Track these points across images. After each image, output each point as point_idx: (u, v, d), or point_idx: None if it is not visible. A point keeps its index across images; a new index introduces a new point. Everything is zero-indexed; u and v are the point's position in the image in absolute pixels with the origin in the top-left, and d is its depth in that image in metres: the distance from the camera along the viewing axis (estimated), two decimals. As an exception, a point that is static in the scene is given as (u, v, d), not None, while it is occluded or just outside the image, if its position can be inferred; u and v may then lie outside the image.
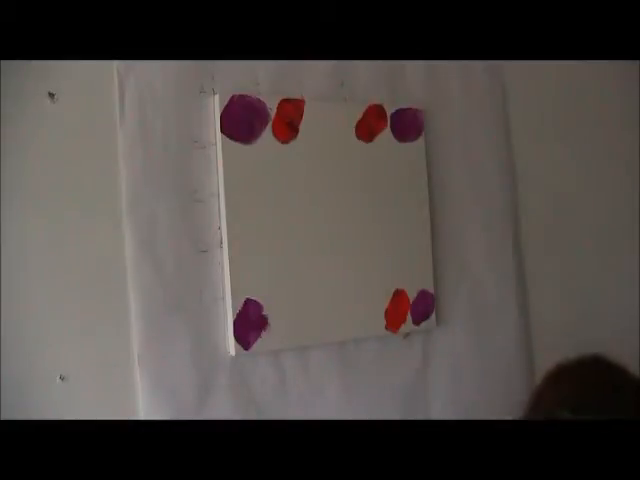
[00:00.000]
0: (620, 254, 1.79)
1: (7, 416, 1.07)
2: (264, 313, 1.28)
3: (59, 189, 1.15)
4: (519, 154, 1.64)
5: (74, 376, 1.15)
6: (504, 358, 1.57)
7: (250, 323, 1.27)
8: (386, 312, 1.41)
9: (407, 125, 1.45)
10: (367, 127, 1.41)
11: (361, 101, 1.41)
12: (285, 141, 1.32)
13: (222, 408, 1.25)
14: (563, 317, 1.69)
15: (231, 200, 1.26)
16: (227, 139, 1.26)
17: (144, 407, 1.19)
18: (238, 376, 1.27)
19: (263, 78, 1.32)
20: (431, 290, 1.47)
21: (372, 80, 1.43)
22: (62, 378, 1.14)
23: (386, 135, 1.43)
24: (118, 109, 1.19)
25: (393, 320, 1.42)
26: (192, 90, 1.25)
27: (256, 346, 1.27)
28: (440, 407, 1.48)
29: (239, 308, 1.26)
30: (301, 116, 1.33)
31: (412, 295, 1.44)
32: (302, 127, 1.33)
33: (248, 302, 1.27)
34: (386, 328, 1.41)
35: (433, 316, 1.47)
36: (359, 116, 1.40)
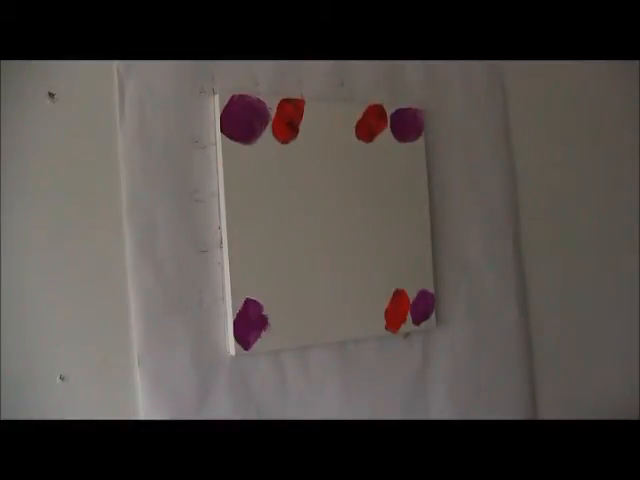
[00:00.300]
0: (620, 254, 1.79)
1: (7, 416, 1.07)
2: (264, 313, 1.28)
3: (59, 189, 1.15)
4: (519, 154, 1.64)
5: (74, 376, 1.15)
6: (504, 358, 1.57)
7: (250, 323, 1.27)
8: (386, 312, 1.41)
9: (407, 125, 1.45)
10: (367, 127, 1.41)
11: (361, 101, 1.41)
12: (285, 141, 1.32)
13: (222, 408, 1.25)
14: (563, 317, 1.70)
15: (231, 200, 1.26)
16: (227, 139, 1.26)
17: (144, 407, 1.19)
18: (238, 376, 1.27)
19: (263, 78, 1.32)
20: (431, 290, 1.47)
21: (372, 80, 1.43)
22: (62, 378, 1.14)
23: (386, 135, 1.43)
24: (118, 109, 1.19)
25: (393, 320, 1.42)
26: (192, 90, 1.25)
27: (256, 346, 1.27)
28: (440, 407, 1.48)
29: (239, 308, 1.26)
30: (301, 116, 1.33)
31: (412, 295, 1.44)
32: (302, 127, 1.33)
33: (248, 302, 1.27)
34: (386, 328, 1.41)
35: (433, 316, 1.47)
36: (359, 116, 1.40)
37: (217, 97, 1.26)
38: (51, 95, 1.15)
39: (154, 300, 1.20)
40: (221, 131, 1.25)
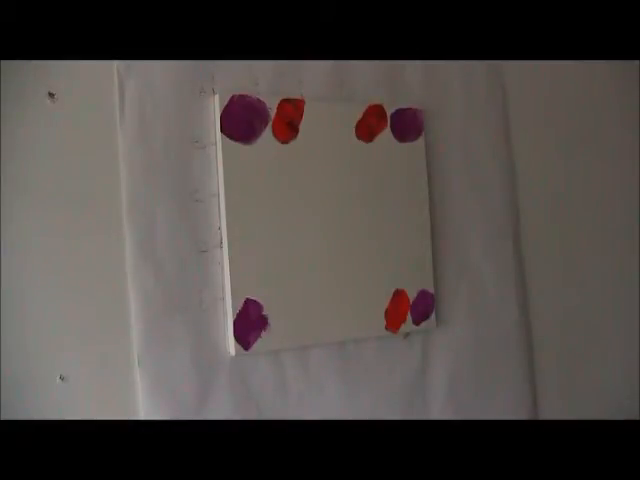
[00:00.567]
0: (620, 254, 1.79)
1: (7, 416, 1.07)
2: (264, 313, 1.28)
3: (59, 189, 1.15)
4: (519, 154, 1.64)
5: (74, 376, 1.15)
6: (504, 358, 1.57)
7: (250, 323, 1.27)
8: (386, 312, 1.41)
9: (407, 125, 1.45)
10: (367, 127, 1.41)
11: (361, 101, 1.41)
12: (285, 141, 1.32)
13: (222, 408, 1.25)
14: (563, 317, 1.70)
15: (231, 200, 1.26)
16: (227, 139, 1.26)
17: (144, 407, 1.19)
18: (238, 376, 1.27)
19: (263, 78, 1.31)
20: (431, 290, 1.47)
21: (372, 80, 1.43)
22: (62, 378, 1.14)
23: (386, 135, 1.43)
24: (118, 109, 1.19)
25: (393, 320, 1.42)
26: (192, 90, 1.25)
27: (256, 346, 1.27)
28: (440, 407, 1.48)
29: (239, 308, 1.26)
30: (301, 116, 1.33)
31: (412, 295, 1.44)
32: (302, 127, 1.33)
33: (248, 302, 1.27)
34: (386, 328, 1.41)
35: (433, 316, 1.47)
36: (359, 116, 1.40)
37: (217, 97, 1.26)
38: (51, 95, 1.15)
39: (154, 300, 1.20)
40: (221, 131, 1.25)
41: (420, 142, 1.47)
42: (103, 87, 1.19)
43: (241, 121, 1.27)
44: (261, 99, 1.29)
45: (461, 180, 1.54)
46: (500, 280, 1.58)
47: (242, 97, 1.28)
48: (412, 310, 1.44)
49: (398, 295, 1.43)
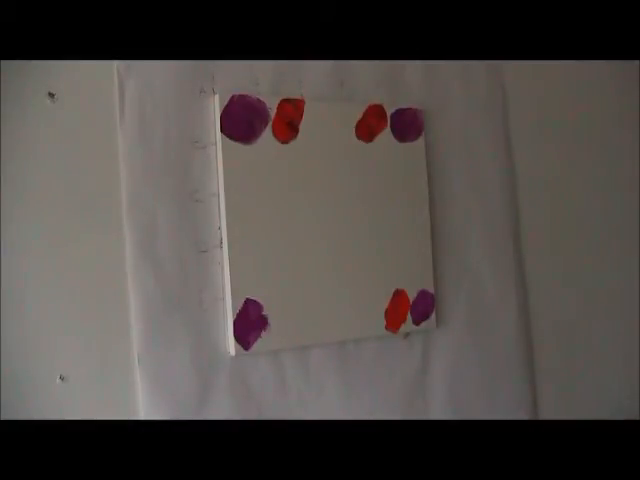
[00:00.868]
0: (620, 254, 1.79)
1: (7, 416, 1.07)
2: (264, 313, 1.28)
3: (59, 189, 1.15)
4: (519, 154, 1.64)
5: (74, 376, 1.15)
6: (504, 358, 1.57)
7: (250, 323, 1.27)
8: (386, 312, 1.41)
9: (407, 125, 1.45)
10: (367, 127, 1.41)
11: (361, 101, 1.41)
12: (285, 141, 1.32)
13: (222, 408, 1.25)
14: (563, 317, 1.70)
15: (231, 200, 1.26)
16: (227, 139, 1.26)
17: (144, 407, 1.19)
18: (238, 376, 1.27)
19: (263, 78, 1.31)
20: (431, 290, 1.47)
21: (372, 80, 1.43)
22: (62, 378, 1.14)
23: (386, 135, 1.43)
24: (118, 109, 1.19)
25: (393, 320, 1.42)
26: (192, 90, 1.25)
27: (256, 346, 1.27)
28: (440, 407, 1.48)
29: (239, 308, 1.26)
30: (301, 116, 1.33)
31: (412, 295, 1.44)
32: (302, 127, 1.33)
33: (248, 302, 1.27)
34: (386, 328, 1.41)
35: (433, 316, 1.47)
36: (359, 116, 1.40)
37: (217, 97, 1.26)
38: (51, 95, 1.15)
39: (154, 300, 1.20)
40: (221, 131, 1.25)
41: (420, 142, 1.47)
42: (103, 87, 1.19)
43: (241, 121, 1.27)
44: (261, 99, 1.29)
45: (461, 180, 1.54)
46: (500, 280, 1.58)
47: (242, 97, 1.28)
48: (412, 310, 1.44)
49: (398, 295, 1.43)
